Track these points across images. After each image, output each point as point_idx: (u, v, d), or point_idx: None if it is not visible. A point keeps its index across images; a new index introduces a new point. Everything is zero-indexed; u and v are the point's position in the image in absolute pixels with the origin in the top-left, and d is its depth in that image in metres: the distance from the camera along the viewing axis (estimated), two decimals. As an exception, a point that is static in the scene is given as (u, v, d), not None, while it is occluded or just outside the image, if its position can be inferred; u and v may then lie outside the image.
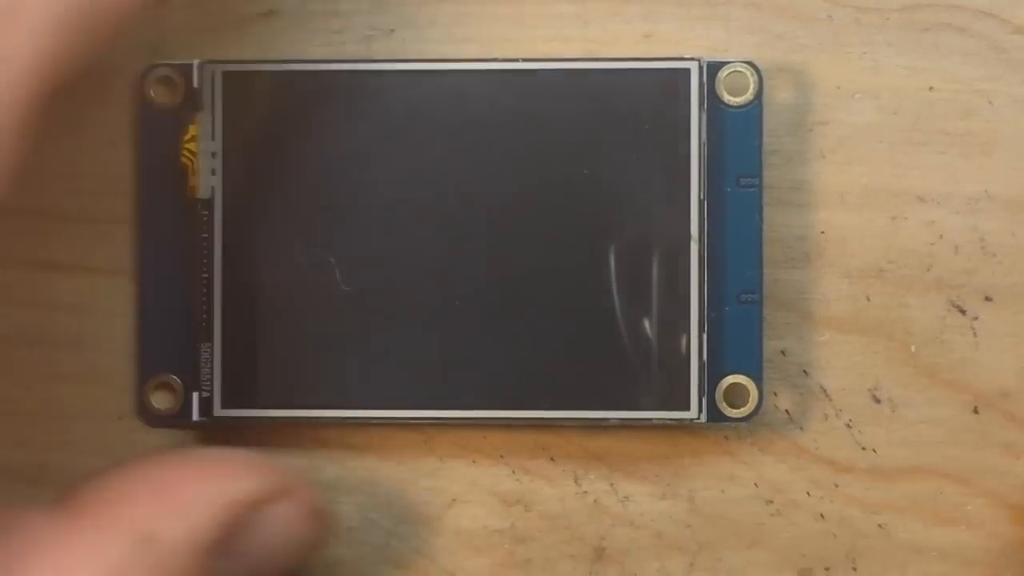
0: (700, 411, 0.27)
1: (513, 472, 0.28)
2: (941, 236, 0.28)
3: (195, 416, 0.27)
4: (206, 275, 0.27)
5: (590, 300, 0.27)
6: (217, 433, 0.28)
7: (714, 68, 0.27)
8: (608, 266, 0.27)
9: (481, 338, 0.27)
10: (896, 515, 0.28)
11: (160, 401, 0.27)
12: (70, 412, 0.28)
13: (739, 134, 0.27)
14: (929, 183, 0.28)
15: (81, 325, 0.28)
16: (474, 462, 0.28)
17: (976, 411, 0.28)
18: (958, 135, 0.28)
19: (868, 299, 0.28)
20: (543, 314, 0.27)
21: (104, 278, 0.28)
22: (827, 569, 0.28)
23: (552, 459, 0.28)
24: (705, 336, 0.27)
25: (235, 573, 0.24)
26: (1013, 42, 0.28)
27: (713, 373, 0.27)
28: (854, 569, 0.28)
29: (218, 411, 0.27)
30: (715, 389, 0.27)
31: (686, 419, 0.27)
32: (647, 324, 0.27)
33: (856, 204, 0.28)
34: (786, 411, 0.28)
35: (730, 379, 0.27)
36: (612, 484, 0.28)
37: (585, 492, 0.28)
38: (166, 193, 0.27)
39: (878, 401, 0.28)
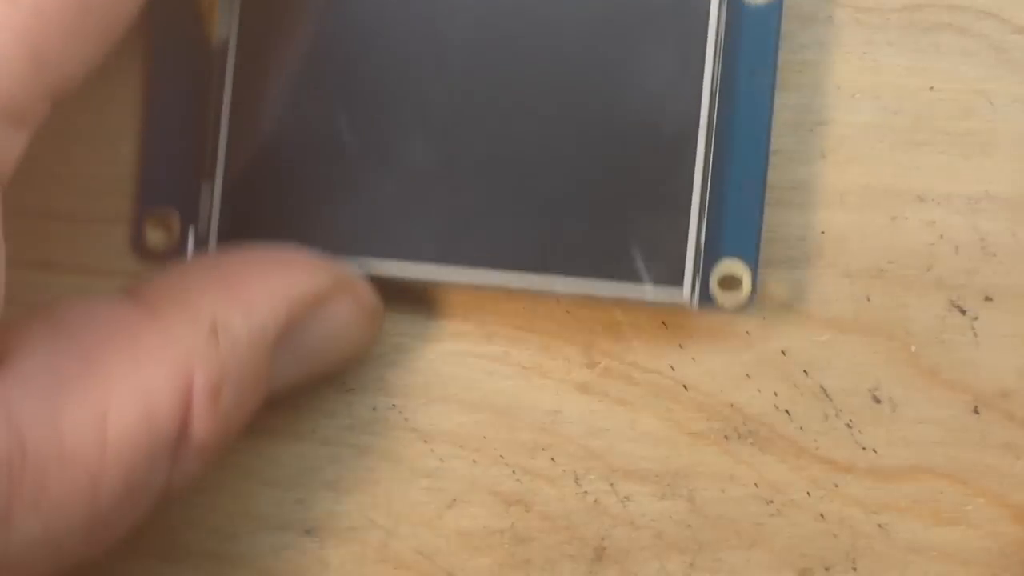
0: (693, 293, 0.27)
1: (513, 472, 0.28)
2: (941, 236, 0.28)
3: (190, 250, 0.27)
4: (214, 115, 0.27)
5: (592, 173, 0.27)
6: None
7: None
8: (614, 140, 0.27)
9: (482, 201, 0.27)
10: (896, 515, 0.28)
11: (156, 235, 0.27)
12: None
13: (757, 30, 0.27)
14: (929, 183, 0.28)
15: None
16: (474, 462, 0.28)
17: (976, 411, 0.28)
18: (958, 135, 0.28)
19: (868, 299, 0.28)
20: (544, 181, 0.27)
21: (104, 278, 0.28)
22: (827, 569, 0.28)
23: (552, 459, 0.28)
24: (704, 221, 0.27)
25: (293, 365, 0.25)
26: (1013, 42, 0.28)
27: (709, 257, 0.27)
28: (854, 569, 0.28)
29: (213, 247, 0.27)
30: (709, 273, 0.27)
31: (678, 301, 0.27)
32: (648, 202, 0.27)
33: (856, 204, 0.28)
34: (786, 411, 0.28)
35: (726, 264, 0.27)
36: (612, 484, 0.28)
37: (585, 492, 0.28)
38: (178, 33, 0.27)
39: (878, 401, 0.28)
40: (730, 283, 0.27)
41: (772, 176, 0.28)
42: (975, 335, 0.28)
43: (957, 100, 0.28)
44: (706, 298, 0.27)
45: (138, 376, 0.23)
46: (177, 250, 0.28)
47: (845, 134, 0.28)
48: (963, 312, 0.28)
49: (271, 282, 0.25)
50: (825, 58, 0.28)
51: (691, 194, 0.27)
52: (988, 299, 0.28)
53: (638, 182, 0.27)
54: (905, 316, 0.28)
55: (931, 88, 0.28)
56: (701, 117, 0.27)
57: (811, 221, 0.28)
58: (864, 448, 0.28)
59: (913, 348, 0.28)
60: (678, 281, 0.27)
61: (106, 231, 0.28)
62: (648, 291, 0.27)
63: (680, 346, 0.28)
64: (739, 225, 0.27)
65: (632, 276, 0.27)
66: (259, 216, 0.27)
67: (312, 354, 0.26)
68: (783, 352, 0.28)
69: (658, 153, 0.27)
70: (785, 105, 0.28)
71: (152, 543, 0.28)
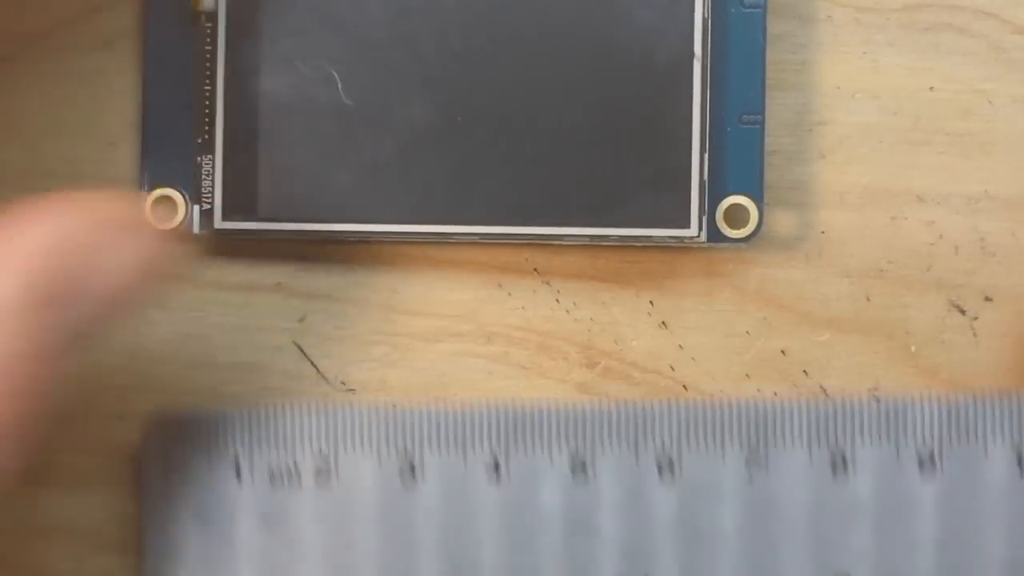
0: (700, 229, 0.27)
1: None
2: (941, 236, 0.28)
3: (195, 229, 0.27)
4: (208, 87, 0.27)
5: (591, 117, 0.27)
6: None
7: None
8: (610, 83, 0.27)
9: (482, 153, 0.27)
10: (896, 515, 0.28)
11: (161, 214, 0.28)
12: (70, 412, 0.28)
13: None
14: (929, 183, 0.28)
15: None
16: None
17: (976, 411, 0.28)
18: (958, 135, 0.28)
19: (868, 299, 0.28)
20: (544, 130, 0.27)
21: (104, 278, 0.28)
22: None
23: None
24: (706, 155, 0.27)
25: (72, 318, 0.23)
26: (1013, 42, 0.28)
27: (713, 193, 0.27)
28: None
29: (218, 223, 0.27)
30: (715, 209, 0.27)
31: (686, 237, 0.27)
32: (649, 142, 0.27)
33: (856, 204, 0.28)
34: (786, 411, 0.28)
35: (730, 199, 0.27)
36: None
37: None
38: (171, 5, 0.27)
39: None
40: (737, 216, 0.27)
41: (772, 176, 0.28)
42: (975, 335, 0.28)
43: (957, 100, 0.28)
44: (713, 233, 0.27)
45: None
46: (183, 227, 0.28)
47: (845, 134, 0.28)
48: (963, 312, 0.28)
49: (28, 235, 0.22)
50: (825, 58, 0.28)
51: (691, 129, 0.27)
52: (988, 299, 0.28)
53: (637, 121, 0.27)
54: (905, 316, 0.28)
55: (931, 88, 0.28)
56: (695, 47, 0.27)
57: (811, 221, 0.28)
58: (864, 448, 0.28)
59: (913, 348, 0.28)
60: (685, 218, 0.27)
61: (106, 231, 0.28)
62: (655, 231, 0.27)
63: (680, 346, 0.28)
64: (741, 160, 0.27)
65: (639, 222, 0.27)
66: (261, 186, 0.27)
67: (92, 298, 0.23)
68: (783, 352, 0.28)
69: (655, 89, 0.27)
70: (785, 105, 0.28)
71: None
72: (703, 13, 0.27)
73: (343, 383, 0.28)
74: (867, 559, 0.26)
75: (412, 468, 0.26)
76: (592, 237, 0.27)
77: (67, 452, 0.28)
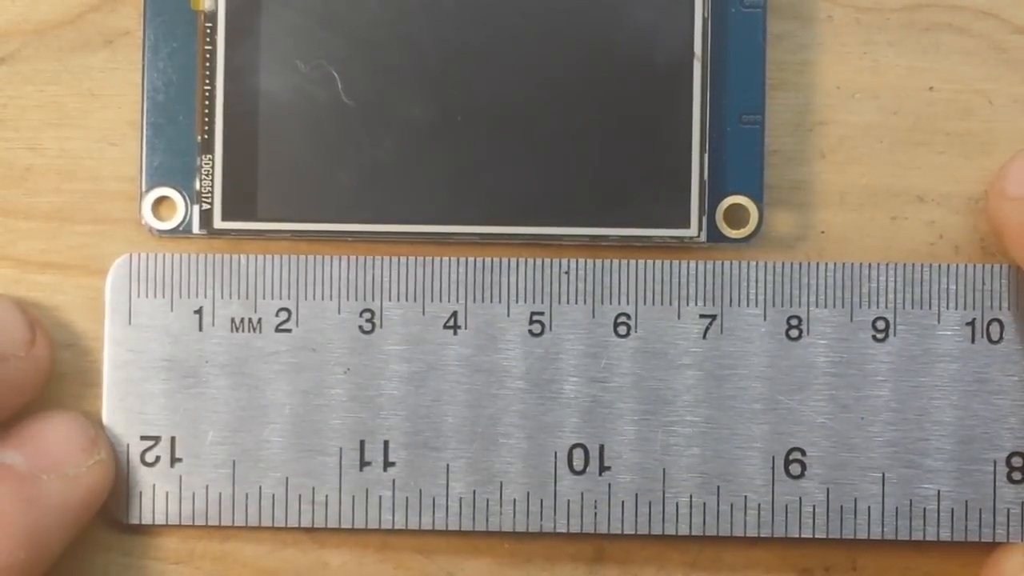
0: (700, 230, 0.27)
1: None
2: (941, 236, 0.28)
3: (195, 229, 0.27)
4: (208, 87, 0.27)
5: (592, 117, 0.27)
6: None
7: None
8: (611, 83, 0.27)
9: (482, 154, 0.27)
10: (896, 515, 0.28)
11: (162, 215, 0.28)
12: (70, 412, 0.28)
13: None
14: (929, 183, 0.28)
15: (81, 325, 0.28)
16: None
17: (976, 411, 0.28)
18: (958, 135, 0.28)
19: (868, 299, 0.28)
20: (545, 131, 0.27)
21: (104, 278, 0.28)
22: (827, 569, 0.28)
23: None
24: (706, 156, 0.27)
25: None
26: (1013, 42, 0.28)
27: (714, 193, 0.27)
28: (853, 569, 0.28)
29: (218, 223, 0.27)
30: (715, 209, 0.27)
31: (686, 237, 0.27)
32: (649, 142, 0.27)
33: (856, 204, 0.28)
34: (786, 411, 0.28)
35: (730, 199, 0.27)
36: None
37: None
38: (171, 5, 0.27)
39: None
40: (736, 216, 0.27)
41: (772, 176, 0.28)
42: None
43: (957, 100, 0.28)
44: (713, 233, 0.27)
45: None
46: (183, 227, 0.28)
47: (845, 134, 0.28)
48: (963, 312, 0.28)
49: None
50: (825, 58, 0.28)
51: (691, 129, 0.27)
52: (988, 299, 0.28)
53: (637, 121, 0.27)
54: (905, 316, 0.28)
55: (931, 88, 0.28)
56: (695, 47, 0.27)
57: (811, 221, 0.28)
58: (864, 448, 0.28)
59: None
60: (685, 218, 0.27)
61: (106, 231, 0.28)
62: (655, 231, 0.27)
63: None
64: (741, 160, 0.27)
65: (638, 217, 0.27)
66: (261, 186, 0.27)
67: None
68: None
69: (655, 89, 0.27)
70: (785, 105, 0.28)
71: None
72: (703, 13, 0.27)
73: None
74: (821, 427, 0.27)
75: (372, 315, 0.27)
76: (592, 237, 0.27)
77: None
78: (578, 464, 0.27)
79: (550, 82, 0.27)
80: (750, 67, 0.27)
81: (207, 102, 0.27)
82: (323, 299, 0.27)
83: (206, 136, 0.27)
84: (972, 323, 0.27)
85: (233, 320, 0.27)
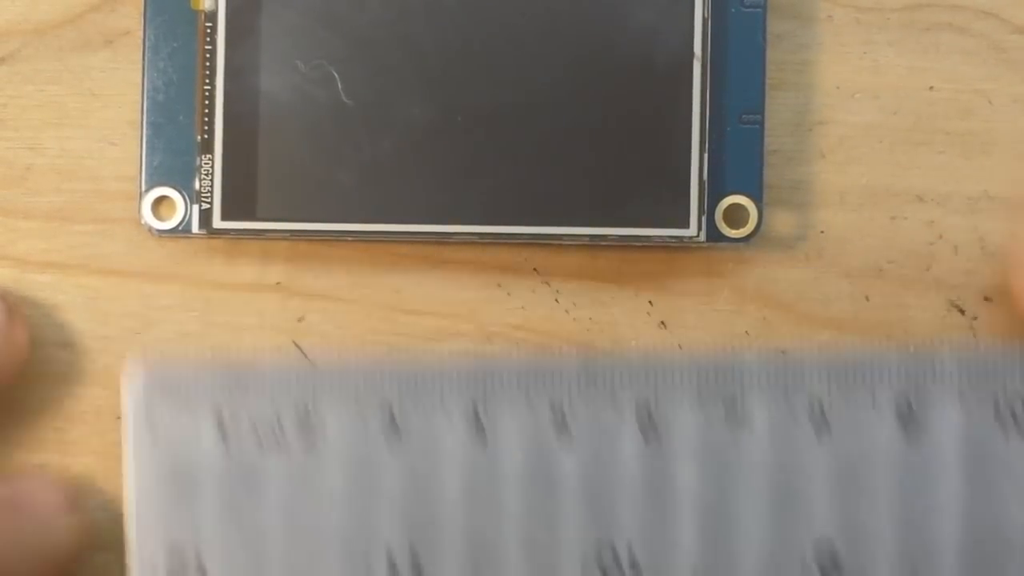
0: (700, 229, 0.27)
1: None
2: (941, 236, 0.28)
3: (195, 228, 0.27)
4: (208, 87, 0.27)
5: (591, 117, 0.27)
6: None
7: None
8: (610, 83, 0.27)
9: (481, 154, 0.27)
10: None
11: (161, 214, 0.28)
12: (70, 412, 0.28)
13: None
14: (929, 183, 0.28)
15: (81, 325, 0.28)
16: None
17: (976, 411, 0.28)
18: (958, 135, 0.28)
19: (868, 299, 0.28)
20: (544, 130, 0.27)
21: (104, 278, 0.28)
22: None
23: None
24: (706, 155, 0.27)
25: None
26: (1013, 42, 0.28)
27: (713, 192, 0.27)
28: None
29: (217, 223, 0.27)
30: (715, 208, 0.27)
31: (686, 237, 0.27)
32: (648, 142, 0.27)
33: (856, 204, 0.28)
34: (786, 411, 0.28)
35: (730, 199, 0.27)
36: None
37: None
38: (171, 5, 0.27)
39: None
40: (736, 216, 0.27)
41: (772, 176, 0.28)
42: (975, 335, 0.28)
43: (957, 100, 0.28)
44: (713, 232, 0.27)
45: None
46: (182, 227, 0.28)
47: (845, 134, 0.28)
48: (962, 312, 0.28)
49: None
50: (825, 58, 0.28)
51: (691, 128, 0.27)
52: (987, 299, 0.28)
53: (637, 120, 0.27)
54: (904, 316, 0.28)
55: (931, 88, 0.28)
56: (695, 47, 0.27)
57: (811, 221, 0.28)
58: (864, 448, 0.28)
59: (912, 348, 0.28)
60: (685, 217, 0.27)
61: (106, 231, 0.28)
62: (655, 231, 0.27)
63: (679, 346, 0.28)
64: (741, 161, 0.27)
65: (638, 217, 0.27)
66: (261, 186, 0.27)
67: None
68: (783, 352, 0.28)
69: (655, 89, 0.27)
70: (785, 105, 0.28)
71: None
72: (703, 13, 0.27)
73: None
74: (763, 521, 0.26)
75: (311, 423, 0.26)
76: (592, 237, 0.27)
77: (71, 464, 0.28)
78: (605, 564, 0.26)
79: (550, 82, 0.27)
80: (750, 67, 0.27)
81: (207, 102, 0.27)
82: (258, 403, 0.26)
83: (206, 136, 0.27)
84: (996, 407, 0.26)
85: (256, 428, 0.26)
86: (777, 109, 0.28)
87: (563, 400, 0.26)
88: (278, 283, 0.28)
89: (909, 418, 0.25)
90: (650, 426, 0.26)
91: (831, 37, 0.28)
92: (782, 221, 0.28)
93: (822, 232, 0.28)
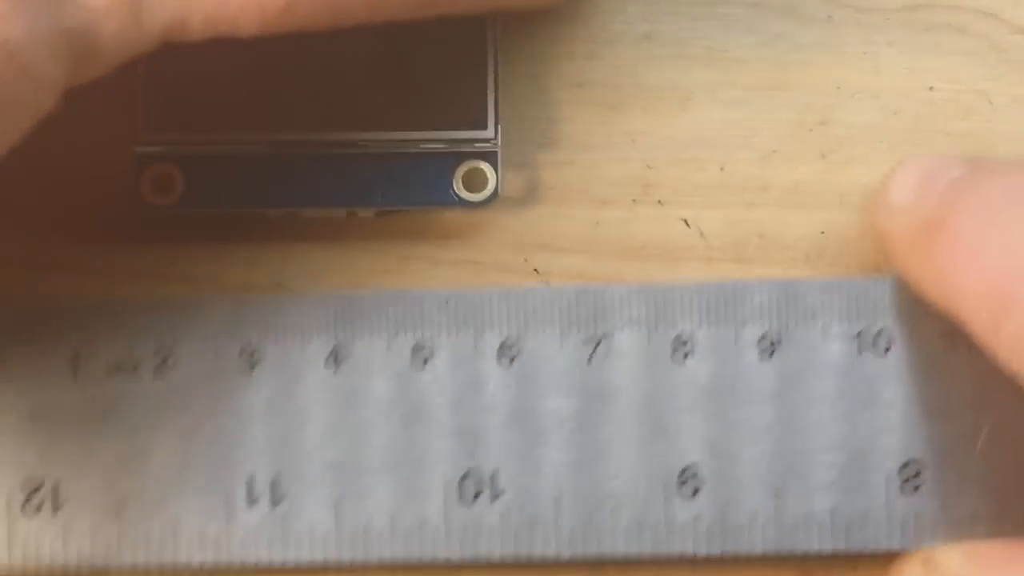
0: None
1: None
2: (941, 236, 0.28)
3: None
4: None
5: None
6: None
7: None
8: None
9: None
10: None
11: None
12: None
13: None
14: (929, 183, 0.28)
15: (81, 325, 0.28)
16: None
17: (976, 411, 0.28)
18: (958, 135, 0.28)
19: (868, 299, 0.28)
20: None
21: (104, 278, 0.28)
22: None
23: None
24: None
25: None
26: (1013, 42, 0.28)
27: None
28: (854, 569, 0.28)
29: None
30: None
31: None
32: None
33: (856, 204, 0.28)
34: (786, 411, 0.28)
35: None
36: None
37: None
38: None
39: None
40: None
41: (772, 176, 0.28)
42: (975, 335, 0.28)
43: (957, 100, 0.28)
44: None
45: None
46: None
47: (845, 134, 0.28)
48: (963, 312, 0.28)
49: None
50: (825, 58, 0.28)
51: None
52: (988, 299, 0.28)
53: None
54: (905, 316, 0.28)
55: (931, 88, 0.28)
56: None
57: (811, 221, 0.28)
58: (864, 448, 0.28)
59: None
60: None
61: (106, 231, 0.28)
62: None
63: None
64: None
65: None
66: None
67: None
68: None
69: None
70: (785, 105, 0.28)
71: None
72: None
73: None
74: (705, 445, 0.26)
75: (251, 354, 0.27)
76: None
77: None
78: (467, 493, 0.27)
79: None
80: None
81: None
82: (200, 340, 0.27)
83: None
84: (859, 335, 0.26)
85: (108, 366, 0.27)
86: (777, 109, 0.28)
87: (425, 330, 0.27)
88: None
89: (773, 345, 0.27)
90: (515, 353, 0.27)
91: (831, 37, 0.28)
92: (782, 221, 0.28)
93: (822, 232, 0.28)
